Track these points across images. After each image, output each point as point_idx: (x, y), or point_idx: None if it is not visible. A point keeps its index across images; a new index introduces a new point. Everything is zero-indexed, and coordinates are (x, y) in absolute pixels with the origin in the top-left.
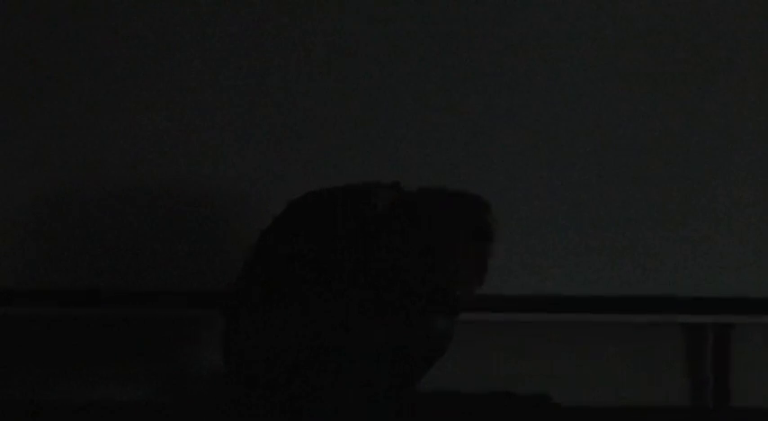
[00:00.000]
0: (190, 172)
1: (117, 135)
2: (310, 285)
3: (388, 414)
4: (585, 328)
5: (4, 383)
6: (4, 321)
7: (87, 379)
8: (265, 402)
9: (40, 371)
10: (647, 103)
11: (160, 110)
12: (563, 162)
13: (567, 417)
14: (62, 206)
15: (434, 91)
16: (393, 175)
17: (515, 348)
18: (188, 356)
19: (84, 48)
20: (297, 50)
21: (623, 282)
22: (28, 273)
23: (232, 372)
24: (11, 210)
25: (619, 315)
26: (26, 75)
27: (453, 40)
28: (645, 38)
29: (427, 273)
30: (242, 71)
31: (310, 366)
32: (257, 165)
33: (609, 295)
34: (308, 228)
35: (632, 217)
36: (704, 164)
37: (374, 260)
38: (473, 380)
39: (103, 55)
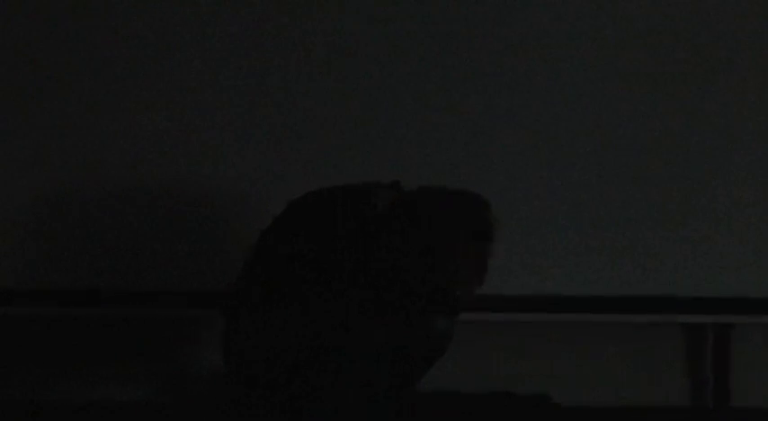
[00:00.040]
0: (190, 172)
1: (117, 135)
2: (310, 285)
3: (388, 414)
4: (585, 328)
5: (4, 383)
6: (4, 321)
7: (87, 379)
8: (265, 402)
9: (40, 371)
10: (647, 103)
11: (160, 110)
12: (563, 162)
13: (567, 417)
14: (62, 206)
15: (434, 91)
16: (393, 175)
17: (515, 348)
18: (188, 356)
19: (84, 48)
20: (297, 50)
21: (623, 282)
22: (28, 273)
23: (232, 372)
24: (11, 210)
25: (619, 315)
26: (26, 75)
27: (453, 40)
28: (645, 38)
29: (427, 273)
30: (242, 71)
31: (310, 366)
32: (257, 165)
33: (609, 295)
34: (308, 228)
35: (632, 217)
36: (704, 164)
37: (374, 260)
38: (473, 380)
39: (103, 55)
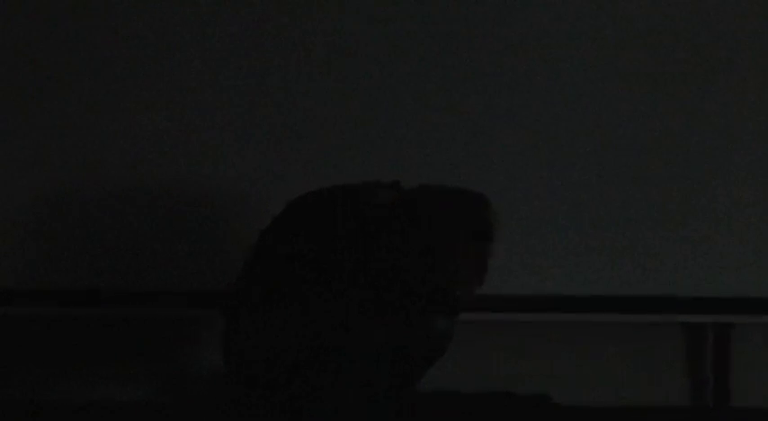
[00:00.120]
0: (190, 172)
1: (117, 135)
2: (310, 285)
3: (388, 414)
4: (585, 328)
5: (4, 383)
6: (4, 321)
7: (87, 379)
8: (265, 402)
9: (40, 371)
10: (647, 103)
11: (160, 110)
12: (563, 162)
13: (567, 417)
14: (62, 206)
15: (434, 91)
16: (393, 175)
17: (515, 348)
18: (188, 356)
19: (84, 48)
20: (297, 50)
21: (623, 282)
22: (28, 273)
23: (232, 372)
24: (11, 210)
25: (619, 315)
26: (26, 75)
27: (453, 40)
28: (645, 38)
29: (427, 273)
30: (242, 71)
31: (310, 366)
32: (257, 165)
33: (609, 295)
34: (307, 227)
35: (632, 217)
36: (704, 164)
37: (374, 260)
38: (473, 380)
39: (103, 55)
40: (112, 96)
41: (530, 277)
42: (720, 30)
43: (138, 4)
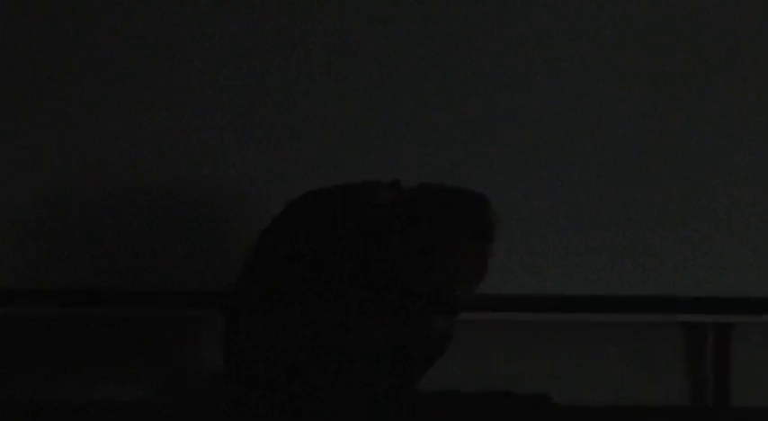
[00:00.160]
0: (190, 172)
1: (117, 135)
2: (310, 285)
3: (388, 414)
4: (585, 328)
5: (4, 383)
6: (4, 321)
7: (87, 379)
8: (265, 402)
9: (40, 371)
10: (647, 103)
11: (160, 110)
12: (563, 162)
13: (567, 417)
14: (62, 206)
15: (434, 91)
16: (393, 175)
17: (515, 348)
18: (188, 356)
19: (84, 48)
20: (297, 50)
21: (623, 282)
22: (28, 273)
23: (232, 372)
24: (11, 210)
25: (619, 315)
26: (26, 75)
27: (453, 40)
28: (645, 38)
29: (427, 272)
30: (242, 71)
31: (310, 366)
32: (257, 165)
33: (609, 295)
34: (307, 227)
35: (632, 217)
36: (704, 164)
37: (374, 260)
38: (473, 380)
39: (103, 55)
40: (112, 96)
41: (530, 277)
42: (720, 30)
43: (138, 4)
